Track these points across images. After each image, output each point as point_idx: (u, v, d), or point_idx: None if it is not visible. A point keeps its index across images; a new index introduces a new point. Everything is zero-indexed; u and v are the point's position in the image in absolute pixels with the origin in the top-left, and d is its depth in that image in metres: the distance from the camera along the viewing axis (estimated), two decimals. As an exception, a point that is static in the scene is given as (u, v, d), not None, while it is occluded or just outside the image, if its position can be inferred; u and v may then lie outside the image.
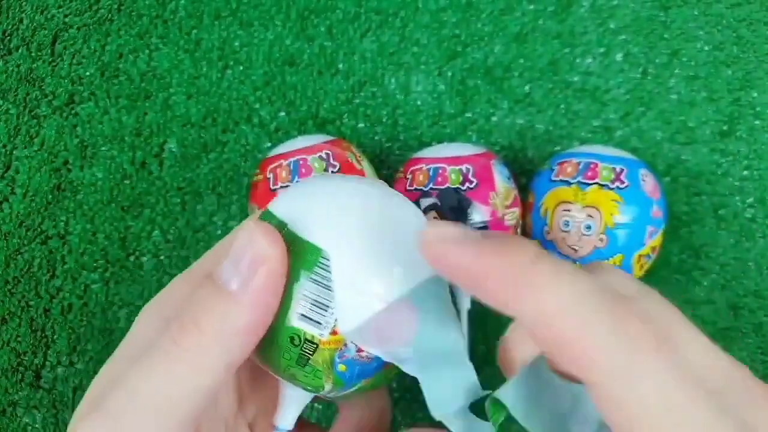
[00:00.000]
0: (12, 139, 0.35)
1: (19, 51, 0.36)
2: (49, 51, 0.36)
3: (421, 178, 0.28)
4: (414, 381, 0.17)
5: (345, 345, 0.17)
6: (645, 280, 0.17)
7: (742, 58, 0.33)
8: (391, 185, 0.30)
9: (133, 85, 0.35)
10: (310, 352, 0.17)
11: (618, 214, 0.27)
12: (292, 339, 0.17)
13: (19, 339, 0.33)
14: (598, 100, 0.33)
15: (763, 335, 0.31)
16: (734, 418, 0.13)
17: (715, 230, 0.32)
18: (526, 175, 0.33)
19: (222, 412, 0.20)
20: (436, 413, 0.16)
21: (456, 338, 0.17)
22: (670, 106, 0.33)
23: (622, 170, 0.27)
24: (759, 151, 0.32)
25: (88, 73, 0.36)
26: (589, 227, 0.27)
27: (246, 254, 0.16)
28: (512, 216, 0.28)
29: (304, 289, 0.17)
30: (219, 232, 0.34)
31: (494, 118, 0.34)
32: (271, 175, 0.28)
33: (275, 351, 0.17)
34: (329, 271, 0.17)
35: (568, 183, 0.28)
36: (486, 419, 0.16)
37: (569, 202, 0.27)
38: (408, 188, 0.28)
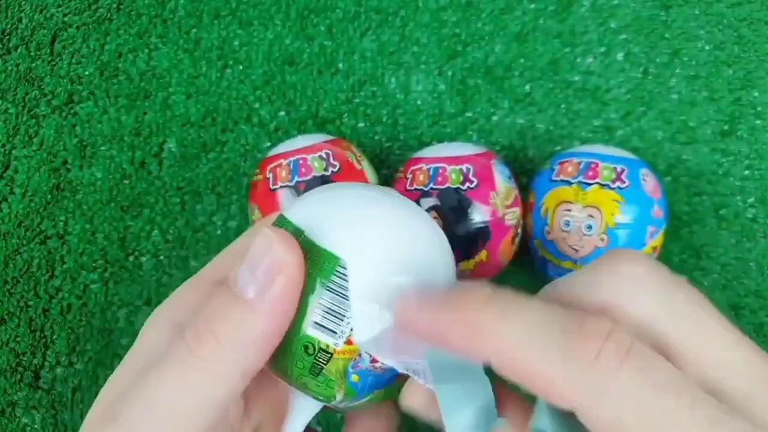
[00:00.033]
0: (11, 138, 0.35)
1: (18, 50, 0.36)
2: (48, 50, 0.36)
3: (421, 177, 0.28)
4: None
5: (359, 355, 0.17)
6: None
7: (743, 58, 0.33)
8: (391, 185, 0.30)
9: (133, 84, 0.35)
10: (324, 362, 0.17)
11: (619, 214, 0.27)
12: (306, 348, 0.17)
13: (18, 339, 0.33)
14: (598, 100, 0.33)
15: (764, 335, 0.31)
16: (737, 422, 0.13)
17: (716, 230, 0.32)
18: (526, 175, 0.32)
19: (228, 418, 0.20)
20: (452, 428, 0.16)
21: None
22: (670, 106, 0.33)
23: (622, 170, 0.27)
24: (760, 151, 0.32)
25: (87, 73, 0.36)
26: (589, 227, 0.27)
27: (263, 261, 0.16)
28: (513, 216, 0.28)
29: (320, 297, 0.16)
30: (218, 232, 0.33)
31: (495, 118, 0.34)
32: (270, 175, 0.28)
33: (288, 359, 0.17)
34: (346, 280, 0.16)
35: (569, 183, 0.28)
36: None
37: (570, 202, 0.27)
38: (408, 188, 0.28)
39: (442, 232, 0.19)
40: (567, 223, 0.27)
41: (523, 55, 0.34)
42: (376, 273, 0.17)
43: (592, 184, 0.27)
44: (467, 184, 0.27)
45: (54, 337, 0.33)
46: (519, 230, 0.29)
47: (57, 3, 0.36)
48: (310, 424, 0.20)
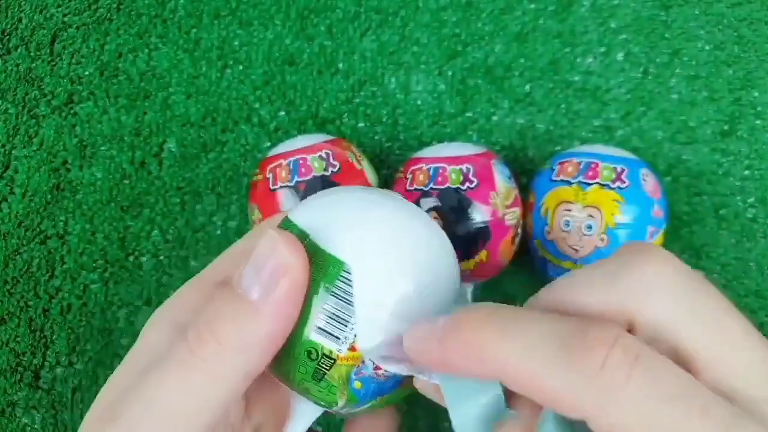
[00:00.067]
0: (11, 138, 0.35)
1: (18, 50, 0.36)
2: (48, 50, 0.36)
3: (421, 177, 0.28)
4: (427, 401, 0.17)
5: (362, 362, 0.17)
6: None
7: (743, 58, 0.33)
8: (390, 185, 0.30)
9: (133, 84, 0.35)
10: (327, 368, 0.17)
11: (619, 214, 0.27)
12: (309, 353, 0.17)
13: (18, 339, 0.33)
14: (598, 100, 0.33)
15: (764, 335, 0.31)
16: (750, 426, 0.12)
17: (716, 230, 0.32)
18: (526, 175, 0.32)
19: (229, 418, 0.20)
20: (457, 420, 0.16)
21: None
22: (670, 106, 0.33)
23: (622, 170, 0.27)
24: (760, 151, 0.32)
25: (87, 73, 0.36)
26: (589, 227, 0.27)
27: (268, 263, 0.16)
28: (513, 216, 0.28)
29: (324, 302, 0.16)
30: (218, 232, 0.33)
31: (495, 118, 0.34)
32: (270, 175, 0.28)
33: (290, 363, 0.17)
34: (351, 286, 0.16)
35: (569, 183, 0.28)
36: None
37: (570, 202, 0.27)
38: (408, 188, 0.28)
39: (444, 235, 0.19)
40: (567, 223, 0.27)
41: (523, 55, 0.34)
42: (380, 278, 0.16)
43: (592, 184, 0.27)
44: (467, 184, 0.27)
45: (54, 337, 0.33)
46: (519, 230, 0.29)
47: (57, 3, 0.36)
48: (310, 425, 0.20)
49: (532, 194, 0.29)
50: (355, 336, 0.16)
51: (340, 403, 0.17)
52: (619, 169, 0.27)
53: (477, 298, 0.30)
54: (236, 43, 0.35)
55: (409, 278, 0.17)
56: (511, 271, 0.29)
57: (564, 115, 0.33)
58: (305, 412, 0.19)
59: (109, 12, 0.36)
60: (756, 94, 0.33)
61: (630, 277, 0.14)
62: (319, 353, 0.16)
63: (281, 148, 0.29)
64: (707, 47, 0.33)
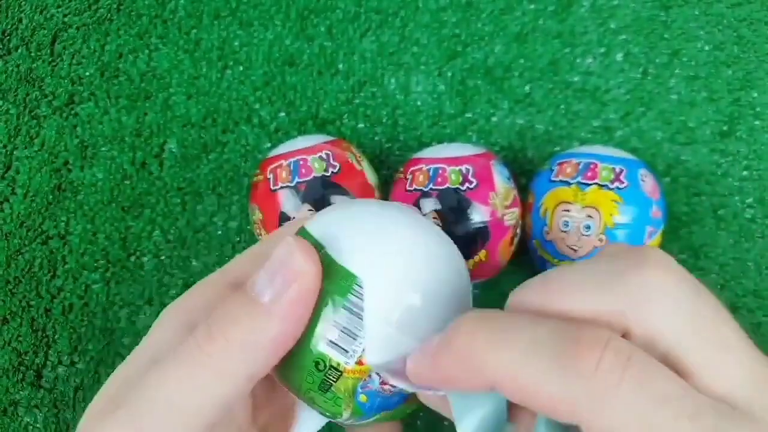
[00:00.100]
0: (12, 139, 0.35)
1: (19, 51, 0.36)
2: (49, 51, 0.36)
3: (421, 178, 0.28)
4: (430, 410, 0.17)
5: (369, 376, 0.17)
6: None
7: (743, 58, 0.33)
8: (390, 186, 0.30)
9: (133, 85, 0.35)
10: (334, 379, 0.17)
11: (617, 215, 0.27)
12: (317, 364, 0.17)
13: (20, 339, 0.33)
14: (598, 101, 0.33)
15: (762, 335, 0.31)
16: (742, 429, 0.12)
17: (715, 230, 0.32)
18: (525, 176, 0.33)
19: (236, 419, 0.20)
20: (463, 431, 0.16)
21: None
22: (670, 107, 0.33)
23: (621, 170, 0.27)
24: (759, 152, 0.32)
25: (87, 73, 0.36)
26: (588, 227, 0.27)
27: (283, 268, 0.16)
28: (512, 216, 0.28)
29: (335, 314, 0.16)
30: (219, 232, 0.34)
31: (494, 119, 0.34)
32: (271, 176, 0.28)
33: (298, 372, 0.17)
34: (362, 300, 0.16)
35: (568, 183, 0.28)
36: None
37: (569, 203, 0.27)
38: (408, 189, 0.28)
39: (456, 249, 0.19)
40: (566, 224, 0.27)
41: (522, 56, 0.34)
42: (391, 294, 0.17)
43: (590, 184, 0.27)
44: (467, 184, 0.27)
45: (56, 336, 0.33)
46: (518, 230, 0.29)
47: (57, 3, 0.36)
48: None
49: (531, 195, 0.29)
50: (363, 350, 0.16)
51: (345, 415, 0.17)
52: (617, 170, 0.27)
53: (476, 298, 0.30)
54: (236, 43, 0.35)
55: (420, 294, 0.17)
56: (510, 271, 0.30)
57: (563, 115, 0.33)
58: (310, 420, 0.19)
59: (109, 12, 0.36)
60: (755, 94, 0.33)
61: (627, 285, 0.14)
62: (327, 365, 0.17)
63: (282, 149, 0.29)
64: (707, 48, 0.33)
